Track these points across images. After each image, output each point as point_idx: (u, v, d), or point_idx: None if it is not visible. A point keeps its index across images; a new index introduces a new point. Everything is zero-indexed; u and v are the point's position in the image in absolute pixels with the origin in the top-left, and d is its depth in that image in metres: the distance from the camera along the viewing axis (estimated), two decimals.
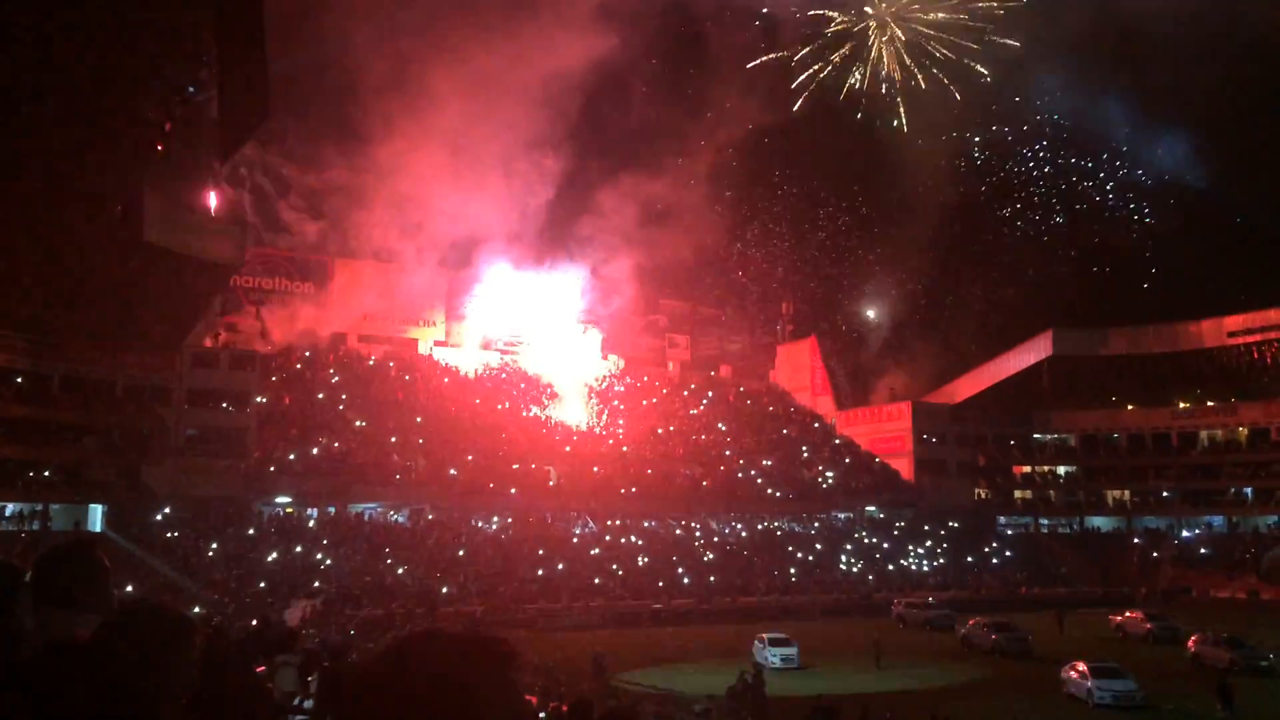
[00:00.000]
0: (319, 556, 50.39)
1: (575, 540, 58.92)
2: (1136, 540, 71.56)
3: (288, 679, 9.50)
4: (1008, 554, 69.40)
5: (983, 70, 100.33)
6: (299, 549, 50.62)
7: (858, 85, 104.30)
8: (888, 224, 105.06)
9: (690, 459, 70.71)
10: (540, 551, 55.37)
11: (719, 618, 49.20)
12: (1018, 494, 79.50)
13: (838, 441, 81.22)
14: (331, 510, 55.95)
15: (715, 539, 63.61)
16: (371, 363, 73.28)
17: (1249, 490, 71.85)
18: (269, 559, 48.92)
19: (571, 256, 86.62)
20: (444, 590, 48.56)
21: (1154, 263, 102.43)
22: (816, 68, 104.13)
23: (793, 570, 60.15)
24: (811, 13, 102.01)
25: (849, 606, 54.24)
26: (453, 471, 60.15)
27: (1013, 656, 38.44)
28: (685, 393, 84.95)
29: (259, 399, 58.67)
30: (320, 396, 64.78)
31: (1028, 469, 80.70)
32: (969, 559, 66.80)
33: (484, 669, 1.49)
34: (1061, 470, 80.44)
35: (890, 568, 63.78)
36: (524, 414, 72.68)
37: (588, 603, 50.40)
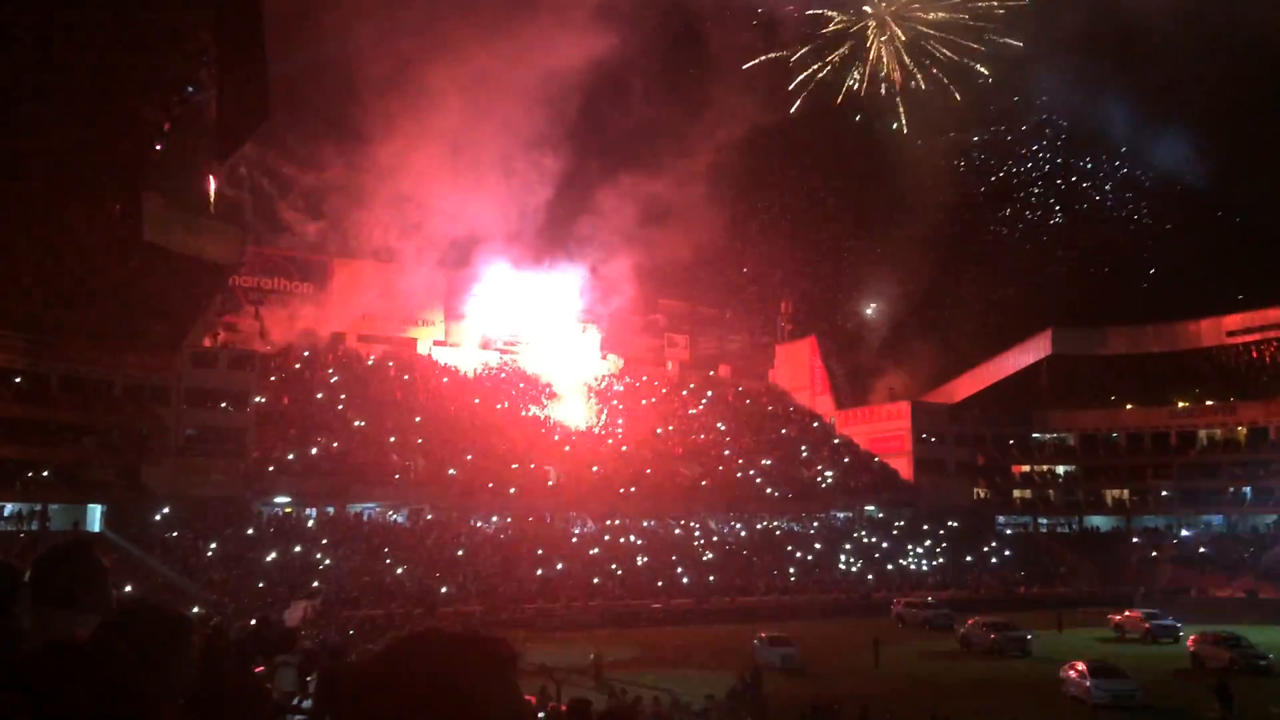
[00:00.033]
0: (318, 556, 50.37)
1: (574, 540, 58.92)
2: (1135, 540, 71.58)
3: (287, 679, 9.50)
4: (1007, 553, 69.39)
5: (983, 70, 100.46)
6: (298, 549, 50.58)
7: (856, 86, 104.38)
8: (887, 223, 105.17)
9: (689, 458, 70.70)
10: (539, 551, 55.35)
11: (718, 617, 49.21)
12: (1017, 493, 79.48)
13: (837, 441, 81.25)
14: (330, 510, 55.93)
15: (714, 539, 63.62)
16: (370, 362, 73.27)
17: (1248, 490, 71.81)
18: (268, 559, 48.87)
19: (571, 256, 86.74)
20: (443, 590, 48.53)
21: (1153, 262, 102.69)
22: (815, 68, 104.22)
23: (792, 570, 60.14)
24: (810, 12, 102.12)
25: (848, 606, 54.24)
26: (452, 471, 60.15)
27: (1011, 656, 38.51)
28: (684, 392, 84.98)
29: (258, 399, 58.65)
30: (319, 396, 64.77)
31: (1027, 468, 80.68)
32: (968, 558, 66.81)
33: (483, 669, 1.49)
34: (1060, 470, 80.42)
35: (889, 567, 63.80)
36: (523, 414, 72.67)
37: (587, 602, 50.37)
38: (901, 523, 71.09)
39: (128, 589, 37.51)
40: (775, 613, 50.12)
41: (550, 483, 62.94)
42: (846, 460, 77.32)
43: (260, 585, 45.41)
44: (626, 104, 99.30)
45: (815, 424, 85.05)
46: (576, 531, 60.43)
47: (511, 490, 60.03)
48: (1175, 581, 63.66)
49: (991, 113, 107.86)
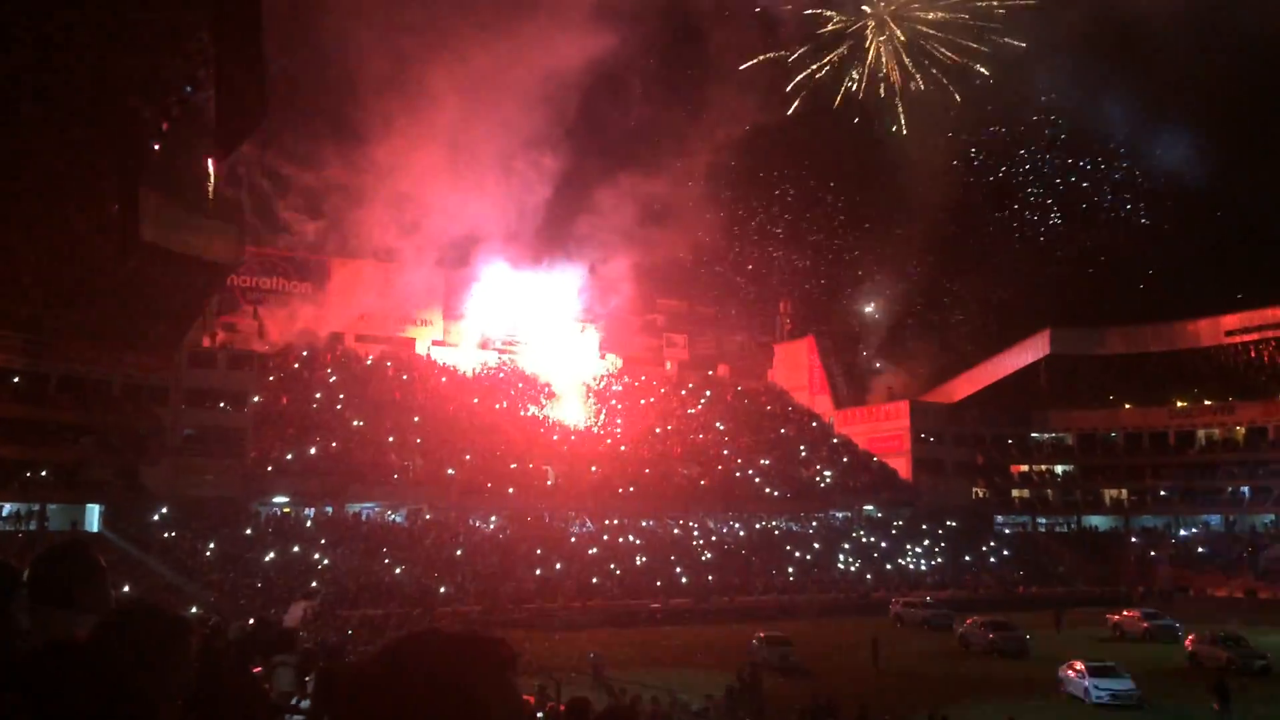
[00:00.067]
0: (316, 556, 50.34)
1: (573, 540, 58.89)
2: (1134, 539, 71.67)
3: (285, 679, 9.50)
4: (1005, 553, 69.41)
5: (983, 70, 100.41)
6: (296, 549, 50.56)
7: (855, 86, 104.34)
8: (886, 223, 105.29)
9: (688, 458, 70.71)
10: (538, 551, 55.33)
11: (717, 617, 49.19)
12: (1015, 493, 79.53)
13: (835, 441, 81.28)
14: (329, 510, 55.92)
15: (713, 538, 63.59)
16: (369, 362, 73.26)
17: (1246, 489, 71.89)
18: (266, 559, 48.85)
19: (569, 256, 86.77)
20: (441, 590, 48.51)
21: (1151, 262, 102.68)
22: (814, 68, 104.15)
23: (790, 569, 60.13)
24: (808, 12, 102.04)
25: (847, 606, 54.22)
26: (450, 471, 60.14)
27: (1010, 656, 38.49)
28: (683, 392, 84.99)
29: (256, 399, 58.68)
30: (318, 396, 64.78)
31: (1025, 468, 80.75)
32: (967, 558, 66.83)
33: (481, 669, 1.49)
34: (1059, 469, 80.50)
35: (888, 567, 63.79)
36: (522, 413, 72.67)
37: (585, 602, 50.34)
38: (900, 522, 71.12)
39: (126, 589, 37.48)
40: (774, 612, 50.09)
41: (549, 483, 62.94)
42: (845, 460, 77.34)
43: (259, 585, 45.42)
44: (625, 104, 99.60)
45: (814, 424, 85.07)
46: (575, 531, 60.39)
47: (510, 490, 60.02)
48: (1174, 581, 63.71)
49: (991, 113, 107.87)
